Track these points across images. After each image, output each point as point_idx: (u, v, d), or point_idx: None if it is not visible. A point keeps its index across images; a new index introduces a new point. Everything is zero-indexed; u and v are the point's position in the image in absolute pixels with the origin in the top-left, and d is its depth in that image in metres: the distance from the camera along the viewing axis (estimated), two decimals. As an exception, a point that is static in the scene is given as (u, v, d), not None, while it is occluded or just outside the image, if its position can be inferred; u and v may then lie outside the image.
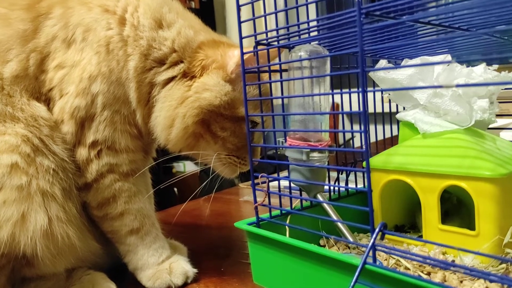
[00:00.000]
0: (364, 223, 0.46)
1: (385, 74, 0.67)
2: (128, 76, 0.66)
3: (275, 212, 0.62)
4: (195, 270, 0.70)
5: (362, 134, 0.43)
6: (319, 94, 0.57)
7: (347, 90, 0.74)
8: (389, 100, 0.76)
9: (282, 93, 0.58)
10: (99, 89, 0.65)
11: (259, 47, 0.58)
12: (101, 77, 0.65)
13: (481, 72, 0.66)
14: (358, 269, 0.41)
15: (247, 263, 0.75)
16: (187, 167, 2.67)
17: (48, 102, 0.66)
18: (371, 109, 0.76)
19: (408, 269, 0.54)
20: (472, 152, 0.57)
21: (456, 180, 0.57)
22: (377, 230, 0.43)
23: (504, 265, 0.52)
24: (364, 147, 0.43)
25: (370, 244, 0.42)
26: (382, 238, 0.43)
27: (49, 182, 0.61)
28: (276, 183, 0.63)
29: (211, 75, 0.67)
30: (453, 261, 0.56)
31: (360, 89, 0.42)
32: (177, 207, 1.19)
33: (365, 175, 0.70)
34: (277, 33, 0.57)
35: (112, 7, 0.68)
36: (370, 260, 0.43)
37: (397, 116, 0.69)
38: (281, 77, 0.59)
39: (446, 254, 0.59)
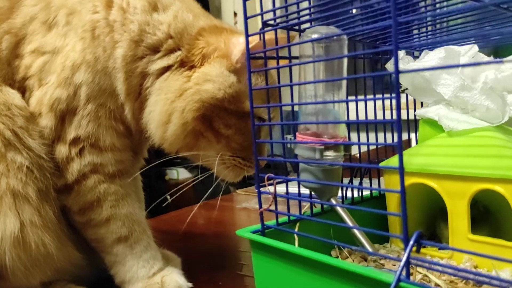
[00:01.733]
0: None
1: (404, 66, 0.60)
2: (115, 65, 0.59)
3: (283, 219, 0.55)
4: (190, 285, 0.62)
5: (395, 125, 0.36)
6: (336, 80, 0.50)
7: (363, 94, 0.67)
8: (406, 96, 0.69)
9: (291, 81, 0.51)
10: (82, 79, 0.57)
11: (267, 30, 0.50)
12: (86, 65, 0.57)
13: (512, 64, 0.59)
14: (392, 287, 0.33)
15: (247, 276, 0.68)
16: (181, 175, 2.57)
17: (22, 90, 0.58)
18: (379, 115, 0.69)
19: (439, 285, 0.46)
20: (509, 152, 0.50)
21: (490, 184, 0.50)
22: (412, 241, 0.36)
23: (552, 282, 0.45)
24: (397, 139, 0.36)
25: (405, 257, 0.35)
26: (418, 250, 0.36)
27: (21, 181, 0.53)
28: (283, 188, 0.56)
29: (214, 64, 0.59)
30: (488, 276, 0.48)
31: (393, 70, 0.35)
32: (169, 214, 1.11)
33: (378, 175, 0.65)
34: (286, 10, 0.49)
35: None
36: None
37: (417, 112, 0.62)
38: (290, 61, 0.52)
39: (478, 268, 0.52)
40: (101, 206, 0.60)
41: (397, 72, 0.35)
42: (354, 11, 0.58)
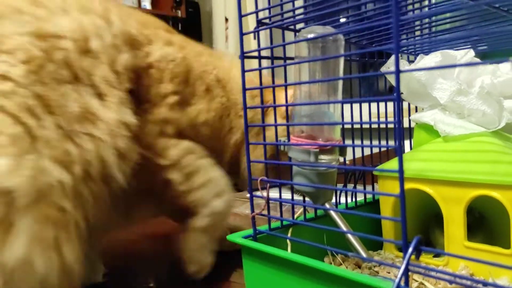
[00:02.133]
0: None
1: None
2: (226, 144, 0.75)
3: (275, 224, 0.53)
4: None
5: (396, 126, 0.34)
6: (331, 80, 0.49)
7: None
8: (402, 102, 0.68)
9: (285, 82, 0.49)
10: (204, 133, 0.71)
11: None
12: (211, 128, 0.72)
13: (508, 69, 0.58)
14: (391, 296, 0.32)
15: (236, 283, 0.66)
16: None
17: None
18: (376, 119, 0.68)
19: (436, 294, 0.45)
20: (506, 158, 0.49)
21: (487, 190, 0.49)
22: (411, 248, 0.34)
23: (551, 291, 0.44)
24: (397, 142, 0.34)
25: (404, 264, 0.33)
26: (418, 257, 0.34)
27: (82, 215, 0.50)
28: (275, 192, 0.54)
29: None
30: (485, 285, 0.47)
31: (394, 69, 0.34)
32: (157, 218, 1.08)
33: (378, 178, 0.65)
34: (281, 8, 0.48)
35: (222, 78, 0.74)
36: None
37: (412, 117, 0.61)
38: (284, 61, 0.50)
39: (474, 276, 0.51)
40: (199, 174, 0.67)
41: (398, 71, 0.34)
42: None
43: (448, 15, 0.58)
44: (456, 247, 0.52)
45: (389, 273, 0.51)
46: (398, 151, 0.34)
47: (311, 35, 0.48)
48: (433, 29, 0.66)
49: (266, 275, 0.49)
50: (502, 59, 0.34)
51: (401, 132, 0.34)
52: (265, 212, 0.50)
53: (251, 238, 0.51)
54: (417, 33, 0.66)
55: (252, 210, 0.50)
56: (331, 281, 0.40)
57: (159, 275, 0.70)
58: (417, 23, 0.64)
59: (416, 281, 0.47)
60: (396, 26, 0.34)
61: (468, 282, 0.41)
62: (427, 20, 0.64)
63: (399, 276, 0.33)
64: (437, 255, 0.56)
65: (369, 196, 0.65)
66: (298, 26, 0.52)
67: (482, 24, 0.56)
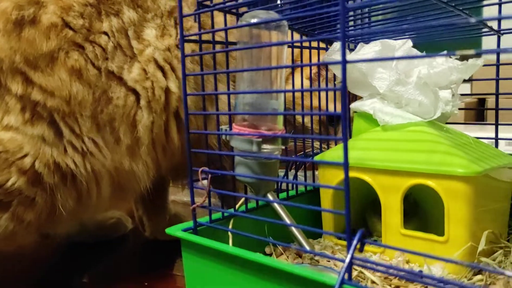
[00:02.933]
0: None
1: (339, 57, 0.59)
2: None
3: (216, 215, 0.51)
4: None
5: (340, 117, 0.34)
6: (275, 67, 0.47)
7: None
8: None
9: (227, 68, 0.47)
10: None
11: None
12: None
13: (443, 61, 0.60)
14: (336, 290, 0.31)
15: (178, 276, 0.63)
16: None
17: None
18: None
19: (375, 283, 0.45)
20: (441, 147, 0.50)
21: (423, 179, 0.50)
22: (355, 241, 0.34)
23: (481, 276, 0.46)
24: (342, 131, 0.34)
25: (348, 258, 0.33)
26: (362, 249, 0.34)
27: None
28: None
29: None
30: (421, 271, 0.48)
31: (341, 59, 0.33)
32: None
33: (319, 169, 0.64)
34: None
35: None
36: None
37: (352, 106, 0.61)
38: (226, 47, 0.48)
39: (410, 262, 0.52)
40: None
41: (344, 61, 0.33)
42: None
43: (389, 5, 0.58)
44: (393, 234, 0.53)
45: (329, 261, 0.52)
46: (344, 142, 0.33)
47: (254, 20, 0.46)
48: (372, 18, 0.67)
49: (206, 269, 0.47)
50: (449, 52, 0.34)
51: (347, 123, 0.33)
52: (206, 203, 0.49)
53: (191, 231, 0.49)
54: (358, 22, 0.66)
55: (193, 202, 0.48)
56: (273, 275, 0.39)
57: (94, 271, 0.67)
58: (358, 11, 0.64)
59: (356, 270, 0.47)
60: (343, 14, 0.33)
61: (402, 273, 0.42)
62: (366, 10, 0.64)
63: (343, 271, 0.33)
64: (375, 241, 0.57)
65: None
66: (241, 10, 0.50)
67: (421, 15, 0.57)
